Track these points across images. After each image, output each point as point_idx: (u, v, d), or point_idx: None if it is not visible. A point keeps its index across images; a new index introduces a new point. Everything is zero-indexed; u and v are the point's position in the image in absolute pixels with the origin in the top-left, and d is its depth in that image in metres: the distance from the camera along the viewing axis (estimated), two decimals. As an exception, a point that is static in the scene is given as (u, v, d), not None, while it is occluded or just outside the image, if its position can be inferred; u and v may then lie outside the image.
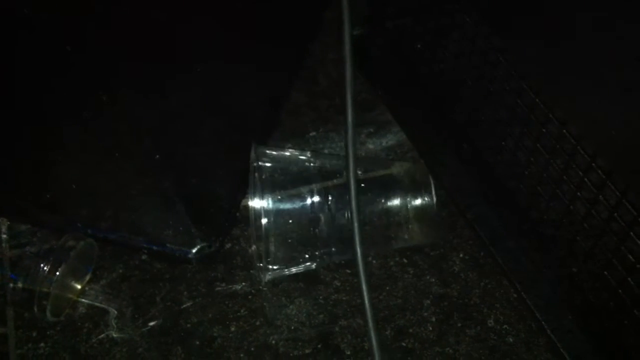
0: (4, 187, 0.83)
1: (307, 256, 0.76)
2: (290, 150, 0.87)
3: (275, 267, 0.75)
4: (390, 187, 0.79)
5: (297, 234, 0.75)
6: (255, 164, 0.77)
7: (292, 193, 0.76)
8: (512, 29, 0.72)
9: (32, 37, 0.91)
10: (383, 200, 0.78)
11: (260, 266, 0.76)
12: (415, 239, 0.80)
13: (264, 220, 0.73)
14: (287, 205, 0.75)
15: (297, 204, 0.76)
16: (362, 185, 0.76)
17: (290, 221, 0.75)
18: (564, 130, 0.67)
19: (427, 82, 0.91)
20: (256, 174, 0.76)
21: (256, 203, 0.77)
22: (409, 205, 0.78)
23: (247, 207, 0.83)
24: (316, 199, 0.76)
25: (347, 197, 0.72)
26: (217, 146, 0.86)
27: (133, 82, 0.89)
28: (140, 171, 0.82)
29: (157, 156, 0.82)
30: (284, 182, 0.76)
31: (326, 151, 0.91)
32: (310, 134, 0.93)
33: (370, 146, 0.91)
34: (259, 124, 0.91)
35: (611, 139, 0.64)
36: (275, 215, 0.74)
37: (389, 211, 0.78)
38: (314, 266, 0.78)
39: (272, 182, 0.75)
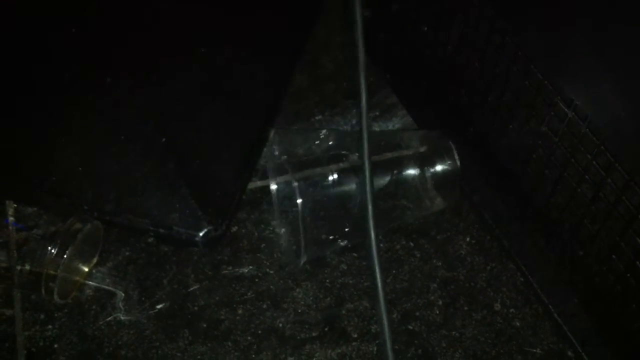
0: (10, 170, 0.83)
1: (340, 234, 0.76)
2: (307, 130, 0.86)
3: (311, 248, 0.75)
4: (406, 161, 0.80)
5: (329, 212, 0.75)
6: (275, 147, 0.77)
7: (318, 172, 0.76)
8: (517, 10, 0.72)
9: (35, 20, 0.90)
10: (399, 175, 0.78)
11: (294, 249, 0.76)
12: (437, 204, 0.81)
13: (300, 201, 0.72)
14: (316, 185, 0.75)
15: (326, 182, 0.75)
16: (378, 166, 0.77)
17: (325, 199, 0.75)
18: (572, 113, 0.66)
19: (433, 64, 0.90)
20: (280, 157, 0.76)
21: (283, 185, 0.77)
22: (427, 174, 0.78)
23: (253, 190, 0.84)
24: (343, 176, 0.76)
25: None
26: (222, 129, 0.85)
27: (137, 65, 0.89)
28: (146, 154, 0.82)
29: (163, 139, 0.82)
30: (308, 162, 0.76)
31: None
32: (316, 118, 0.93)
33: (377, 129, 0.91)
34: (264, 106, 0.90)
35: (620, 121, 0.63)
36: (306, 195, 0.74)
37: (407, 183, 0.79)
38: (344, 243, 0.78)
39: (298, 163, 0.75)
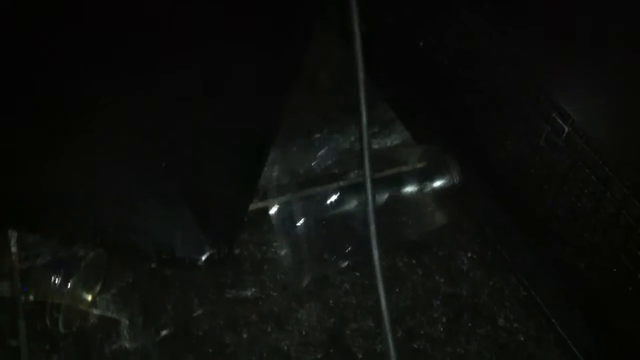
0: (11, 198, 0.83)
1: (341, 254, 0.76)
2: (306, 149, 0.87)
3: (313, 269, 0.74)
4: (405, 177, 0.80)
5: (330, 232, 0.75)
6: (275, 167, 0.77)
7: (319, 191, 0.76)
8: (513, 24, 0.72)
9: (30, 36, 0.90)
10: (398, 191, 0.78)
11: (296, 270, 0.76)
12: (438, 220, 0.81)
13: (301, 221, 0.72)
14: (317, 205, 0.75)
15: (326, 202, 0.76)
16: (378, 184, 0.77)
17: (326, 219, 0.75)
18: (569, 127, 0.67)
19: (430, 78, 0.90)
20: (280, 178, 0.77)
21: (283, 206, 0.77)
22: (426, 189, 0.78)
23: (254, 211, 0.84)
24: (344, 195, 0.76)
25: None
26: (222, 151, 0.86)
27: (134, 86, 0.89)
28: (147, 178, 0.82)
29: (164, 164, 0.82)
30: (308, 181, 0.76)
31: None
32: (315, 135, 0.93)
33: (375, 146, 0.91)
34: (264, 126, 0.91)
35: (617, 135, 0.64)
36: (307, 215, 0.74)
37: (407, 199, 0.79)
38: (345, 264, 0.77)
39: (298, 182, 0.76)
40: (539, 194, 0.75)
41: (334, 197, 0.76)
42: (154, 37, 0.93)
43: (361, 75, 0.74)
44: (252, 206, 0.84)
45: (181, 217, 0.80)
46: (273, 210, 0.79)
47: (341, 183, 0.80)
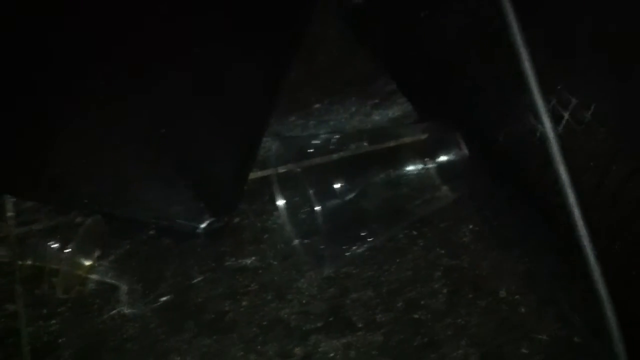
0: (8, 164, 0.82)
1: (358, 239, 0.75)
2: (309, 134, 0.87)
3: (334, 258, 0.74)
4: (406, 150, 0.79)
5: (344, 218, 0.75)
6: (278, 155, 0.76)
7: (316, 163, 0.75)
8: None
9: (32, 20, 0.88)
10: (398, 163, 0.78)
11: (315, 259, 0.76)
12: (445, 194, 0.80)
13: (318, 208, 0.71)
14: (329, 192, 0.75)
15: (337, 188, 0.75)
16: (372, 157, 0.77)
17: (339, 205, 0.74)
18: (572, 98, 0.66)
19: (431, 51, 0.90)
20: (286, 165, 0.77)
21: (292, 197, 0.77)
22: (429, 164, 0.78)
23: (254, 180, 0.83)
24: (352, 177, 0.75)
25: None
26: (223, 121, 0.85)
27: (136, 61, 0.87)
28: (147, 146, 0.81)
29: (163, 130, 0.81)
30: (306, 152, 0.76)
31: (331, 123, 0.91)
32: (315, 106, 0.92)
33: (377, 117, 0.90)
34: (264, 98, 0.90)
35: (622, 111, 0.63)
36: (322, 202, 0.73)
37: (408, 172, 0.78)
38: (362, 249, 0.77)
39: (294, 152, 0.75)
40: (541, 167, 0.74)
41: (342, 184, 0.75)
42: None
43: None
44: (252, 175, 0.84)
45: (181, 185, 0.79)
46: (281, 203, 0.78)
47: (342, 154, 0.79)
